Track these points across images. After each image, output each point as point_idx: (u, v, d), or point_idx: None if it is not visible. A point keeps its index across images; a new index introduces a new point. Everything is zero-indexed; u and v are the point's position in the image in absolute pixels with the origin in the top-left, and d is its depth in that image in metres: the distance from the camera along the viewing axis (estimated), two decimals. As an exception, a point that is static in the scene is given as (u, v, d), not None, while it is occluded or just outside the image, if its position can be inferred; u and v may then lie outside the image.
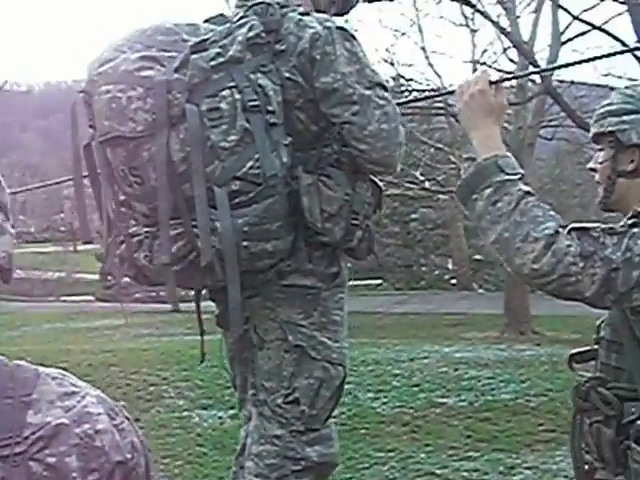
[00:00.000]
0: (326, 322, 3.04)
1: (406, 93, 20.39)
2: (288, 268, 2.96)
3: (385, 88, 3.01)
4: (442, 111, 19.96)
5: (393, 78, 21.34)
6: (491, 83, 2.68)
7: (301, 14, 2.96)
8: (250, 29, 2.84)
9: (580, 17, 18.23)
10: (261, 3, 2.95)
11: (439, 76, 20.85)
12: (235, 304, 2.83)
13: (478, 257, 29.92)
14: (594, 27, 17.61)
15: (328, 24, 2.95)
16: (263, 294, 2.97)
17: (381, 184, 3.15)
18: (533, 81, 19.43)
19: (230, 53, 2.78)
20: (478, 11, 19.04)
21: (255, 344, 3.05)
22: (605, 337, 2.70)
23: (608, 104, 2.75)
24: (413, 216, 27.95)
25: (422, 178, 22.13)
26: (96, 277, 26.08)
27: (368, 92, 2.90)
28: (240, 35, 2.82)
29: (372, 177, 3.10)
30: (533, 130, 20.33)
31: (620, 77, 18.16)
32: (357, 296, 25.75)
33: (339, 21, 3.05)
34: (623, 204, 2.67)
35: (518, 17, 20.22)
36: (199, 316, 3.27)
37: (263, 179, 2.73)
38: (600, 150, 2.75)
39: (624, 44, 15.76)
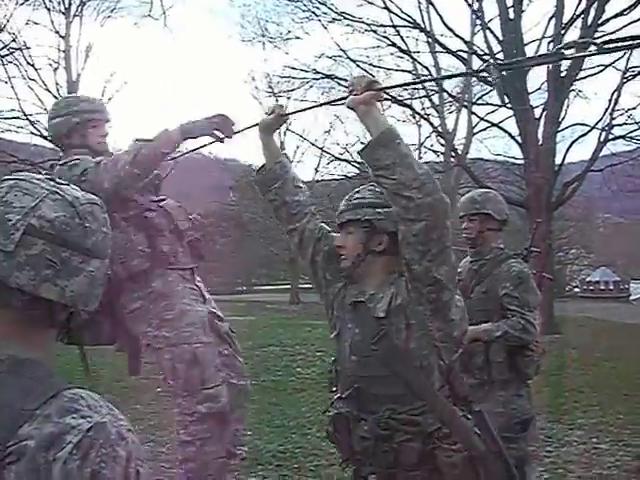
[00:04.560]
0: None
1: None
2: None
3: None
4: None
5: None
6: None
7: None
8: None
9: (485, 118, 18.16)
10: None
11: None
12: None
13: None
14: (493, 124, 17.53)
15: None
16: None
17: None
18: (454, 157, 19.27)
19: None
20: (418, 114, 18.92)
21: None
22: None
23: (361, 197, 2.41)
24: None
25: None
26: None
27: None
28: None
29: None
30: (454, 189, 20.19)
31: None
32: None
33: None
34: (366, 274, 2.40)
35: (445, 118, 20.18)
36: None
37: None
38: (349, 233, 2.41)
39: (511, 135, 15.65)
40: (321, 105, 2.79)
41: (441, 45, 16.88)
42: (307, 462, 5.47)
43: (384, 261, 2.37)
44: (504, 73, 2.29)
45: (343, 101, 2.29)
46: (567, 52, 1.89)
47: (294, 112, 2.62)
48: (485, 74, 1.93)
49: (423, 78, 16.92)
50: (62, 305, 1.20)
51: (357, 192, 2.45)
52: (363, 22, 16.58)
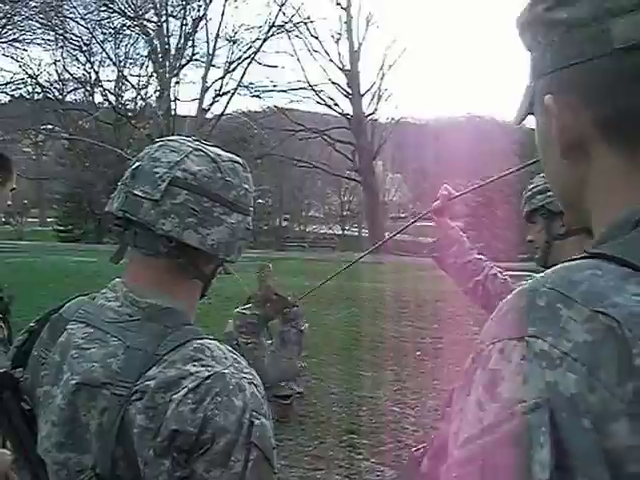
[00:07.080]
0: None
1: None
2: None
3: None
4: None
5: None
6: None
7: None
8: None
9: None
10: None
11: None
12: None
13: None
14: None
15: None
16: None
17: None
18: None
19: None
20: None
21: None
22: None
23: (534, 187, 2.38)
24: None
25: None
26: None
27: None
28: None
29: None
30: None
31: None
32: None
33: None
34: (557, 259, 2.11)
35: None
36: None
37: None
38: (532, 223, 2.39)
39: None
40: (484, 184, 3.21)
41: None
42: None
43: (571, 243, 2.23)
44: None
45: None
46: None
47: (461, 194, 2.68)
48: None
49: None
50: (206, 256, 1.29)
51: (532, 183, 2.43)
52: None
